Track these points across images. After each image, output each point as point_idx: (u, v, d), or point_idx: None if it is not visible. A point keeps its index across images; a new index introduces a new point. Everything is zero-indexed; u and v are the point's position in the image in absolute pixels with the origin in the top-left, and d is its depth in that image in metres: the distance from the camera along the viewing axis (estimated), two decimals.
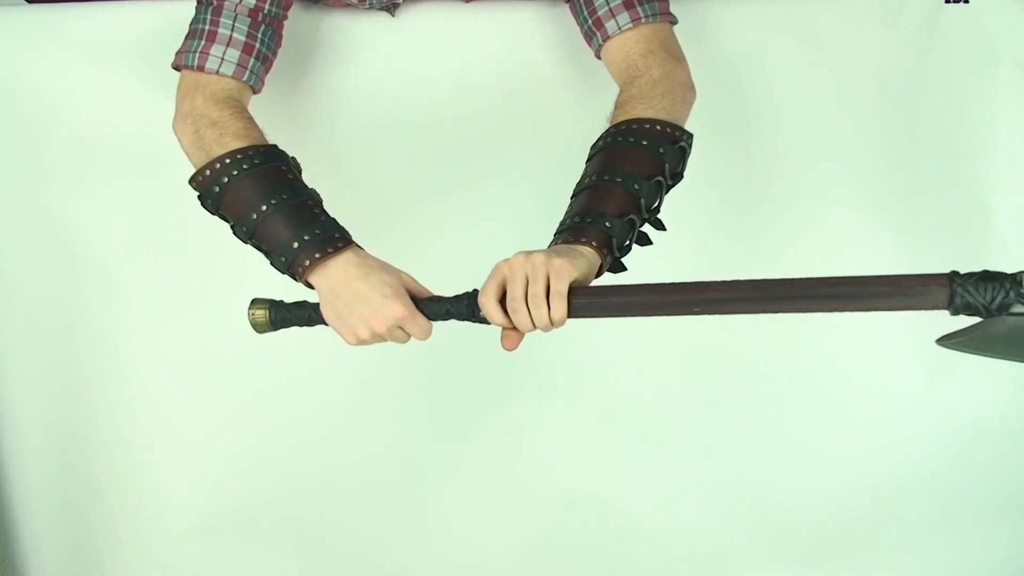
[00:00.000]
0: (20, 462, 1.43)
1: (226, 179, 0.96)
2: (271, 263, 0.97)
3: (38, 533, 1.46)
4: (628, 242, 0.92)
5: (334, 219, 0.97)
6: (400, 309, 0.89)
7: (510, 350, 0.90)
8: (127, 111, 1.27)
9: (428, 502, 1.47)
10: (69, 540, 1.47)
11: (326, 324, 0.95)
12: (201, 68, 1.04)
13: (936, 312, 1.35)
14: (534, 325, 0.85)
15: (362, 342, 0.92)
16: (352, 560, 1.49)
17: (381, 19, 1.26)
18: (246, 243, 0.99)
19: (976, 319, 0.83)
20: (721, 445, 1.44)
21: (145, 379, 1.39)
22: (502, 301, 0.85)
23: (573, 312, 0.83)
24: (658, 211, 0.96)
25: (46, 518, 1.46)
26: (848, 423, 1.43)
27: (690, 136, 0.98)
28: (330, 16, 1.26)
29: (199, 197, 1.00)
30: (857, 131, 1.32)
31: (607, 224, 0.88)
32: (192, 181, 1.00)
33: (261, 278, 1.30)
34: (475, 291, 0.89)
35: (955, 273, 0.83)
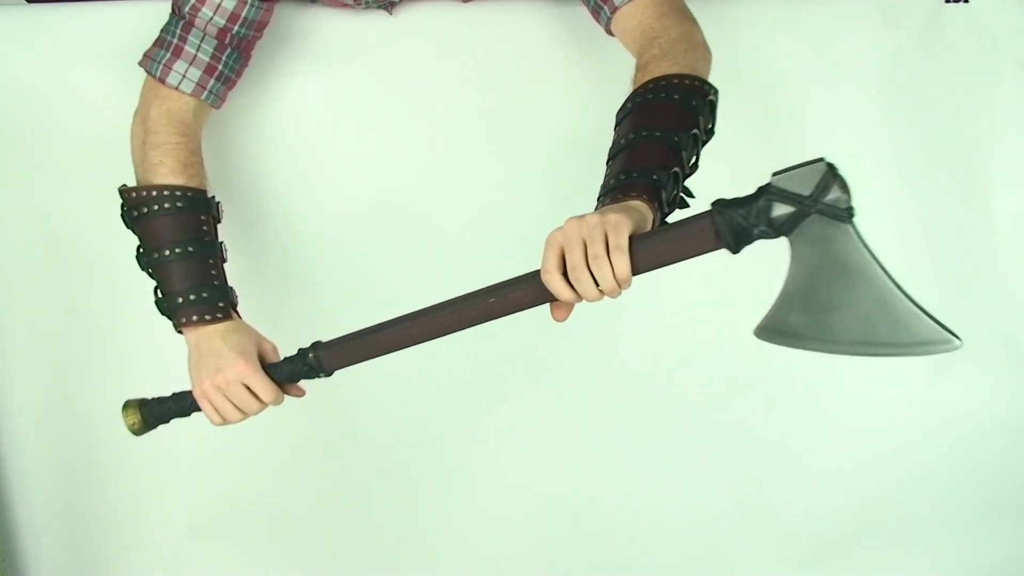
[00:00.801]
0: (20, 462, 1.43)
1: (146, 209, 1.02)
2: (155, 300, 1.02)
3: (38, 533, 1.46)
4: (675, 195, 0.89)
5: (227, 286, 1.03)
6: (244, 366, 0.95)
7: (561, 320, 0.86)
8: (127, 111, 1.27)
9: (428, 502, 1.47)
10: (69, 540, 1.47)
11: (201, 410, 1.02)
12: (163, 80, 1.07)
13: (935, 308, 1.35)
14: (600, 292, 0.79)
15: (204, 394, 0.97)
16: (352, 559, 1.49)
17: (378, 18, 1.26)
18: (142, 269, 1.04)
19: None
20: (721, 445, 1.44)
21: (145, 378, 1.38)
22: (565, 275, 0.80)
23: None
24: (696, 167, 0.93)
25: (46, 518, 1.46)
26: (848, 423, 1.43)
27: (716, 91, 0.95)
28: (327, 15, 1.26)
29: (121, 207, 1.05)
30: (857, 131, 1.32)
31: (654, 177, 0.85)
32: (121, 190, 1.05)
33: (260, 277, 1.30)
34: (305, 349, 0.95)
35: (712, 204, 0.79)
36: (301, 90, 1.27)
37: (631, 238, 0.78)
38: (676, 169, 0.88)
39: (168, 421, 1.04)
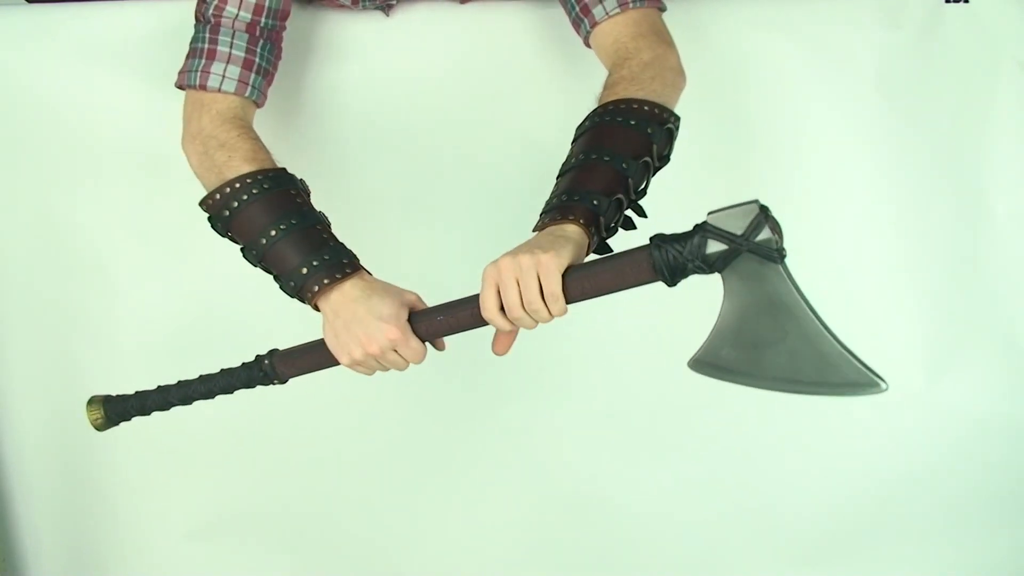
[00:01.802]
0: (20, 462, 1.43)
1: (236, 203, 0.97)
2: (280, 287, 0.97)
3: (38, 533, 1.46)
4: (615, 222, 0.91)
5: (342, 244, 0.98)
6: (394, 332, 0.90)
7: (501, 354, 0.91)
8: (127, 111, 1.28)
9: (429, 502, 1.47)
10: (69, 540, 1.47)
11: (162, 410, 1.03)
12: (204, 87, 1.05)
13: (935, 308, 1.35)
14: (536, 324, 0.86)
15: (356, 363, 0.93)
16: (352, 560, 1.49)
17: (375, 19, 1.26)
18: (255, 266, 0.99)
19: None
20: (721, 445, 1.44)
21: (145, 379, 1.39)
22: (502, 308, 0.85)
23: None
24: (644, 193, 0.94)
25: (46, 518, 1.46)
26: (848, 423, 1.43)
27: (678, 119, 0.96)
28: (324, 16, 1.26)
29: (209, 219, 1.01)
30: (857, 131, 1.32)
31: (594, 202, 0.87)
32: (202, 204, 1.01)
33: (262, 279, 1.30)
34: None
35: (651, 238, 0.82)
36: (298, 90, 1.27)
37: (569, 268, 0.83)
38: (619, 196, 0.89)
39: (129, 419, 1.05)
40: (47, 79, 1.26)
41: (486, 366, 1.36)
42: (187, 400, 1.05)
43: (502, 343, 0.91)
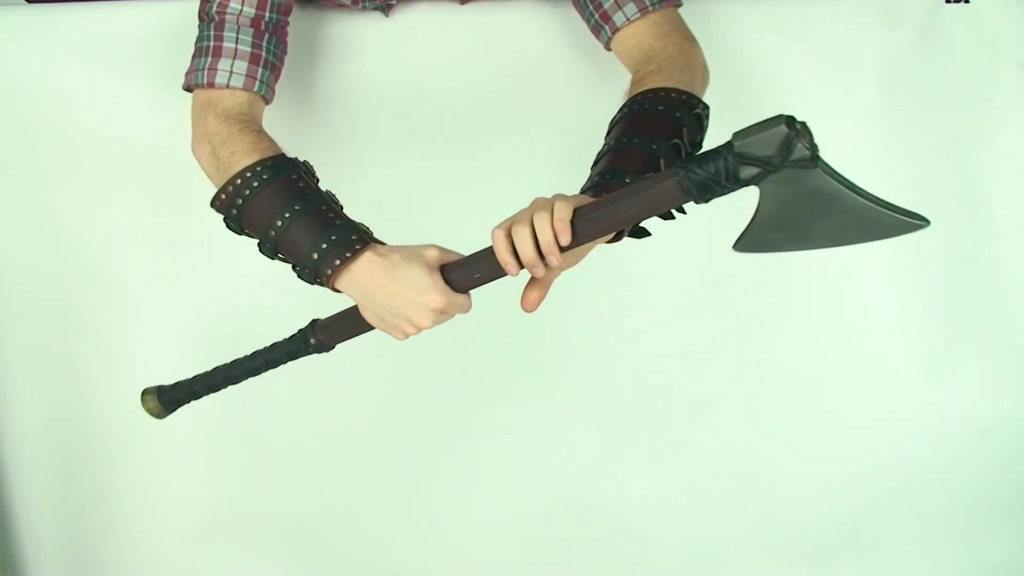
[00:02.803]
0: (20, 462, 1.43)
1: (240, 199, 0.96)
2: (299, 276, 0.96)
3: (38, 533, 1.46)
4: None
5: (350, 220, 0.95)
6: (438, 300, 0.87)
7: (530, 310, 0.88)
8: (127, 111, 1.28)
9: (428, 502, 1.47)
10: (69, 540, 1.47)
11: (216, 391, 1.04)
12: (211, 84, 1.04)
13: (935, 308, 1.35)
14: (537, 252, 0.82)
15: (407, 335, 0.92)
16: (352, 561, 1.49)
17: (375, 20, 1.26)
18: (274, 260, 0.98)
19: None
20: (721, 445, 1.44)
21: (145, 379, 1.38)
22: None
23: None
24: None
25: (46, 518, 1.46)
26: (848, 423, 1.43)
27: (707, 107, 0.98)
28: (324, 16, 1.26)
29: (224, 221, 1.00)
30: (857, 131, 1.32)
31: (627, 180, 0.87)
32: (213, 204, 1.00)
33: (262, 279, 1.30)
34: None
35: (676, 162, 0.81)
36: (298, 91, 1.27)
37: (593, 202, 0.82)
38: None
39: (184, 404, 1.10)
40: (47, 79, 1.26)
41: (486, 366, 1.37)
42: (235, 379, 1.06)
43: (531, 297, 0.88)
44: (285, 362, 1.03)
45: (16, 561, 1.49)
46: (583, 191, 0.90)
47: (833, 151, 1.32)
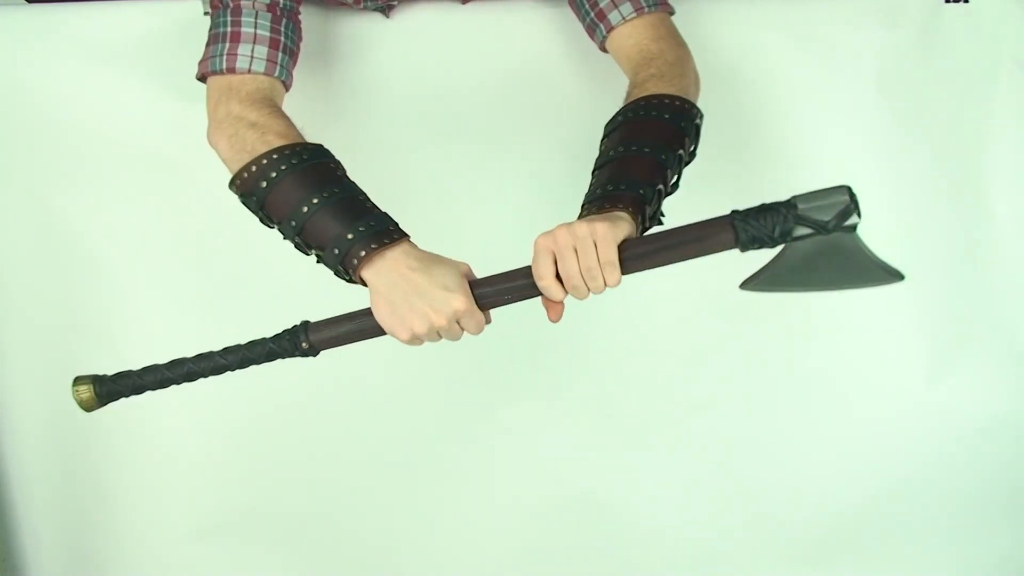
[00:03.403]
0: (20, 462, 1.43)
1: (274, 174, 0.93)
2: (320, 259, 0.93)
3: (38, 533, 1.46)
4: (657, 211, 0.93)
5: (386, 213, 0.95)
6: (462, 302, 0.86)
7: (556, 321, 0.90)
8: (127, 111, 1.27)
9: (428, 502, 1.47)
10: (69, 540, 1.47)
11: (154, 389, 0.97)
12: (232, 70, 1.02)
13: (935, 308, 1.36)
14: (590, 291, 0.86)
15: (415, 338, 0.89)
16: (352, 561, 1.49)
17: (376, 20, 1.26)
18: (295, 240, 0.95)
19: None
20: (721, 445, 1.44)
21: None
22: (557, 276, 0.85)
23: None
24: (676, 187, 0.96)
25: (46, 518, 1.46)
26: (849, 423, 1.43)
27: (703, 115, 1.00)
28: (324, 16, 1.26)
29: (242, 196, 0.97)
30: (857, 131, 1.32)
31: (640, 191, 0.88)
32: (235, 181, 0.97)
33: (263, 278, 1.30)
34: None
35: (734, 211, 0.85)
36: (298, 91, 1.27)
37: (625, 240, 0.84)
38: (660, 186, 0.91)
39: (124, 396, 1.00)
40: (47, 79, 1.26)
41: (487, 366, 1.37)
42: (197, 375, 0.99)
43: (557, 310, 0.89)
44: (262, 363, 0.97)
45: (16, 561, 1.49)
46: (589, 200, 0.91)
47: (833, 151, 1.34)
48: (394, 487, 1.46)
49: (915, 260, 1.36)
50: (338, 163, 0.99)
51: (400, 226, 0.94)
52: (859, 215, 0.81)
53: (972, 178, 1.34)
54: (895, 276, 0.86)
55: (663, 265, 0.85)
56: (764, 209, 0.82)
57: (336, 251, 0.90)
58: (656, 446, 1.44)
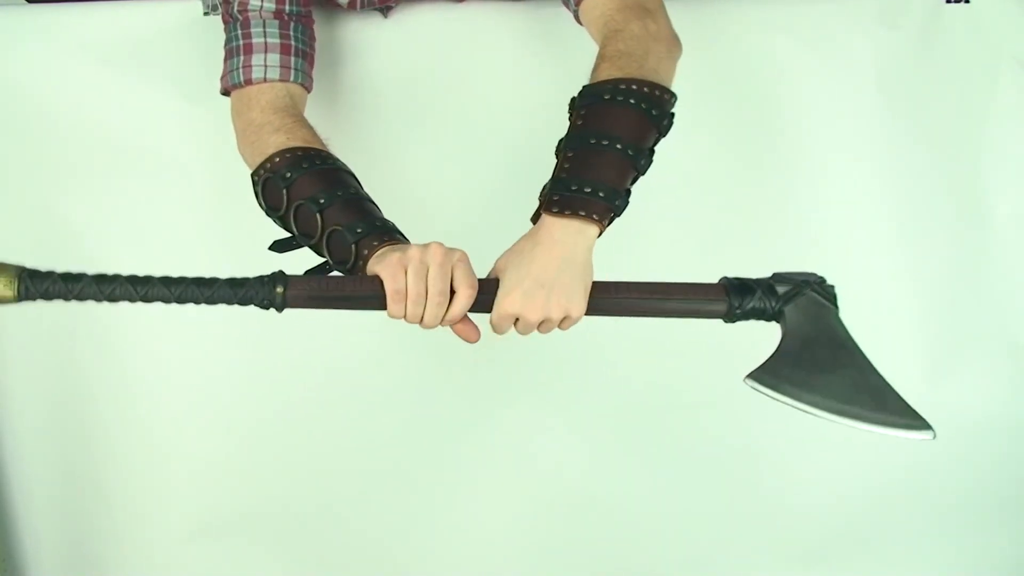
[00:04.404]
0: (20, 462, 1.43)
1: (305, 164, 0.95)
2: (330, 238, 0.92)
3: (38, 533, 1.46)
4: (624, 204, 0.90)
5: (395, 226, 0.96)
6: (459, 252, 0.86)
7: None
8: (126, 111, 1.28)
9: (428, 502, 1.47)
10: (69, 540, 1.47)
11: (93, 300, 0.92)
12: (249, 82, 1.04)
13: (935, 308, 1.35)
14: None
15: (413, 314, 0.85)
16: (352, 561, 1.49)
17: (374, 20, 1.26)
18: (314, 213, 0.93)
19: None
20: (720, 446, 1.44)
21: (145, 379, 1.39)
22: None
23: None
24: (644, 171, 0.92)
25: (46, 518, 1.46)
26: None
27: (673, 96, 0.93)
28: (323, 17, 1.25)
29: (266, 178, 0.97)
30: (857, 131, 1.32)
31: (600, 194, 0.86)
32: (265, 164, 0.97)
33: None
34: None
35: (725, 280, 0.92)
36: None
37: (630, 286, 0.88)
38: (629, 184, 0.90)
39: (50, 298, 0.95)
40: (47, 79, 1.26)
41: (486, 367, 1.37)
42: (141, 298, 0.95)
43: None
44: (216, 303, 0.93)
45: (16, 561, 1.49)
46: (554, 192, 0.88)
47: (833, 151, 1.33)
48: (393, 487, 1.46)
49: (915, 260, 1.36)
50: (354, 176, 1.01)
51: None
52: (831, 290, 0.91)
53: (972, 178, 1.34)
54: (914, 420, 0.86)
55: (622, 316, 0.89)
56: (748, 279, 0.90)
57: (359, 230, 0.90)
58: (656, 446, 1.44)
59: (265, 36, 1.05)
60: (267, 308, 0.91)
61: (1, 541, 1.47)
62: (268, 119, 1.01)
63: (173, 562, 1.46)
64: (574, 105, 0.95)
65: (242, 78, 1.04)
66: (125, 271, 1.33)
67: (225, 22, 1.08)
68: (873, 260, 1.35)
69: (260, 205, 1.01)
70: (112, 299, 0.95)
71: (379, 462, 1.44)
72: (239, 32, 1.05)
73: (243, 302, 0.92)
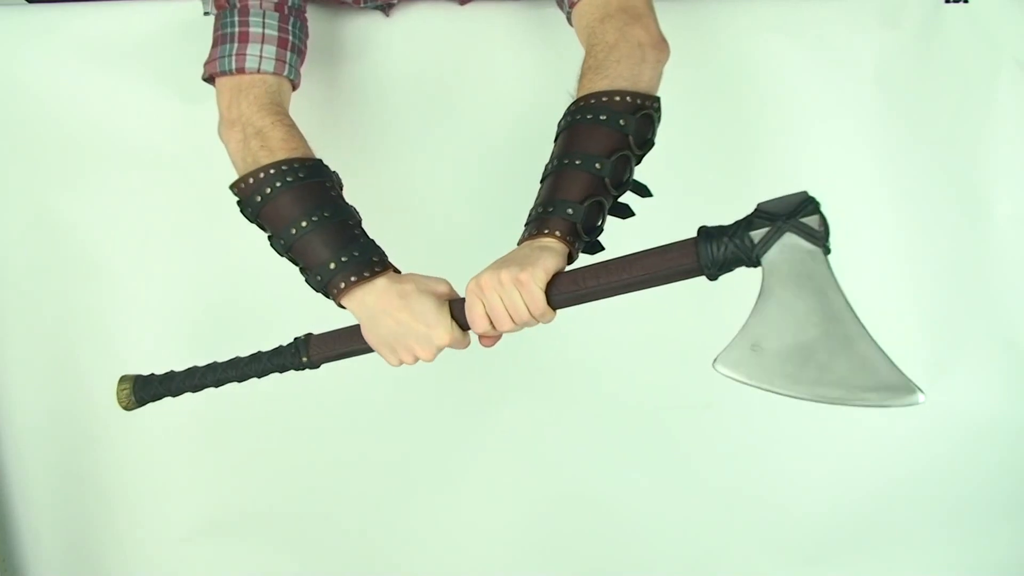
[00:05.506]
0: (20, 462, 1.43)
1: (268, 190, 0.95)
2: (306, 279, 0.96)
3: (38, 533, 1.46)
4: (600, 223, 0.90)
5: (372, 241, 0.96)
6: (443, 338, 0.90)
7: (490, 347, 0.93)
8: (127, 111, 1.28)
9: (427, 502, 1.47)
10: (69, 540, 1.47)
11: (194, 391, 1.02)
12: (241, 70, 1.02)
13: (935, 308, 1.35)
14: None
15: (403, 363, 0.93)
16: (351, 560, 1.49)
17: (375, 19, 1.26)
18: (282, 255, 0.97)
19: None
20: (721, 446, 1.44)
21: None
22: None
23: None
24: (629, 184, 0.91)
25: (46, 518, 1.46)
26: (848, 424, 1.43)
27: (654, 100, 0.91)
28: (324, 15, 1.26)
29: (239, 203, 0.99)
30: (857, 131, 1.32)
31: (568, 211, 0.86)
32: (234, 187, 0.98)
33: (262, 277, 1.30)
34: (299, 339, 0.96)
35: (699, 232, 0.83)
36: (297, 90, 1.27)
37: (555, 276, 0.84)
38: (598, 198, 0.88)
39: (159, 399, 1.06)
40: (47, 79, 1.26)
41: (486, 367, 1.36)
42: (219, 383, 1.04)
43: (489, 342, 0.92)
44: (271, 373, 1.01)
45: (16, 561, 1.49)
46: (528, 222, 0.90)
47: (833, 151, 1.33)
48: (393, 486, 1.46)
49: (915, 260, 1.36)
50: (334, 182, 1.00)
51: (386, 256, 0.95)
52: (823, 224, 0.75)
53: (972, 178, 1.34)
54: (907, 381, 0.75)
55: (601, 299, 0.86)
56: (724, 225, 0.81)
57: (319, 278, 0.93)
58: (656, 446, 1.44)
59: (264, 27, 1.03)
60: (302, 370, 1.00)
61: (1, 541, 1.47)
62: (252, 117, 1.00)
63: (173, 562, 1.46)
64: (558, 128, 0.96)
65: (234, 66, 1.02)
66: (126, 270, 1.35)
67: (220, 8, 1.06)
68: (872, 260, 1.35)
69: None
70: (197, 390, 1.06)
71: (378, 462, 1.44)
72: (235, 19, 1.04)
73: (281, 370, 1.01)
